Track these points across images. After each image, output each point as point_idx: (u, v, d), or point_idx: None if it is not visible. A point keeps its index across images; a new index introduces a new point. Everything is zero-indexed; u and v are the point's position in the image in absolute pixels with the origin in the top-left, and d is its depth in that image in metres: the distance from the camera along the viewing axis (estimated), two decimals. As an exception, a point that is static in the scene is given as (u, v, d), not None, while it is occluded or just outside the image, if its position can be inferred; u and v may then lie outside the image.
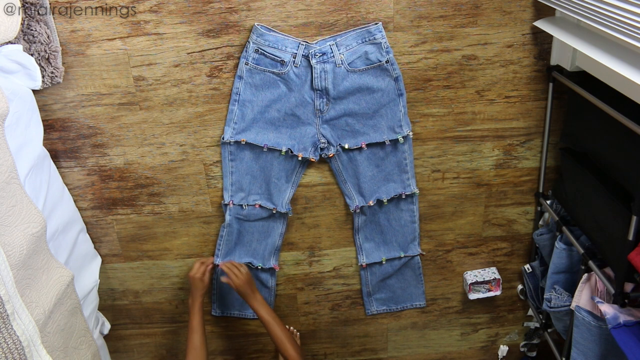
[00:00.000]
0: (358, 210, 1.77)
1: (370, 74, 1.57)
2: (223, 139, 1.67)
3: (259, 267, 1.87)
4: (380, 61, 1.55)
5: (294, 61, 1.55)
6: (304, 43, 1.53)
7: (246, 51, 1.55)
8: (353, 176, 1.73)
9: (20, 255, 1.30)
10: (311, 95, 1.59)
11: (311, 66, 1.55)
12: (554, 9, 1.52)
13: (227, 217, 1.77)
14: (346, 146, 1.66)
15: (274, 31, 1.52)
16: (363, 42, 1.54)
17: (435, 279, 1.96)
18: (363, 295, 1.97)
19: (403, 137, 1.65)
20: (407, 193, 1.76)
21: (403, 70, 1.60)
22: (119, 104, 1.63)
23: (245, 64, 1.56)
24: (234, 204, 1.76)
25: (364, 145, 1.66)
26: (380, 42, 1.53)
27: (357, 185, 1.74)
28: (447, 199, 1.82)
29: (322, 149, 1.68)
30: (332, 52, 1.54)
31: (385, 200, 1.75)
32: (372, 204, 1.76)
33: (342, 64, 1.55)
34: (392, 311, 2.00)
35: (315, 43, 1.54)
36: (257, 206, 1.76)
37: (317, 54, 1.54)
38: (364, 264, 1.88)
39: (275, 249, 1.85)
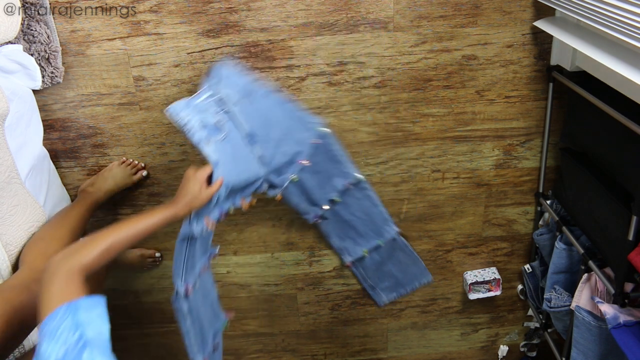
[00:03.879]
0: (319, 220, 1.75)
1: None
2: (223, 139, 1.67)
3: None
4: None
5: None
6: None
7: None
8: (302, 194, 1.68)
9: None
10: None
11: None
12: (554, 9, 1.52)
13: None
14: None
15: None
16: None
17: (435, 279, 1.96)
18: (367, 290, 1.94)
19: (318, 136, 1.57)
20: (351, 182, 1.66)
21: (403, 70, 1.60)
22: (119, 104, 1.63)
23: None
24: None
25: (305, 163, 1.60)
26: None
27: (308, 199, 1.69)
28: (447, 199, 1.81)
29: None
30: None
31: (336, 198, 1.69)
32: (327, 207, 1.71)
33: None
34: (403, 295, 1.93)
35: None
36: None
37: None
38: (348, 262, 1.87)
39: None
